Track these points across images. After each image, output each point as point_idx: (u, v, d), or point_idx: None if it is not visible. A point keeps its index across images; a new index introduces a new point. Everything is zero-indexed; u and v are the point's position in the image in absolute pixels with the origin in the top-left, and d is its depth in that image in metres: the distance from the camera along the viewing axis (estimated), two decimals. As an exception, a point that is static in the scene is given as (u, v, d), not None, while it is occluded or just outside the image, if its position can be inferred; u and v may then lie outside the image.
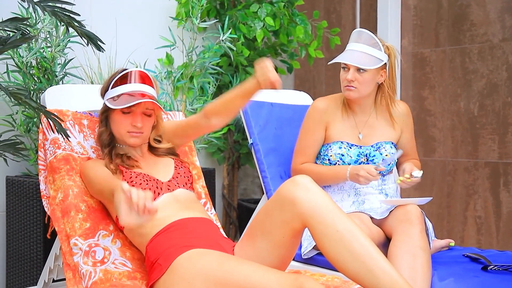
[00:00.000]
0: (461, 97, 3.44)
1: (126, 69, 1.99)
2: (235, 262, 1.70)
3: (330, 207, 1.71)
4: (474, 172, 3.40)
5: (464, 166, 3.44)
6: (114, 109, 1.96)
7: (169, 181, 1.97)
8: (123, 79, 1.96)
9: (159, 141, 2.10)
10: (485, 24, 3.33)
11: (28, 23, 1.75)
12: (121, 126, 1.96)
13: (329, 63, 2.35)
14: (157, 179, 1.95)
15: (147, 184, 1.91)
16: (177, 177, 1.99)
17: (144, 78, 1.98)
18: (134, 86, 1.95)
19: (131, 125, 1.95)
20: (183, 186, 1.99)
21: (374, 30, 2.40)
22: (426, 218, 2.32)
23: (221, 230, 2.13)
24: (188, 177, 2.02)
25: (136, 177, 1.92)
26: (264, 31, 3.12)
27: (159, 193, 1.92)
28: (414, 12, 3.62)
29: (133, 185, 1.89)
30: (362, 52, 2.27)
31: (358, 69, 2.26)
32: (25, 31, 1.71)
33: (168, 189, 1.95)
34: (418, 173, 2.21)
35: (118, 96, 1.94)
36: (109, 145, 1.99)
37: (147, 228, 1.88)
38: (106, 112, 2.00)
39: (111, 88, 1.97)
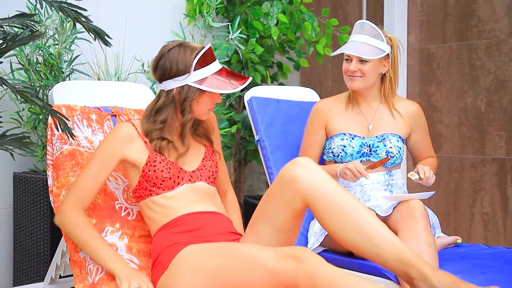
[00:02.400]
0: (468, 93, 3.43)
1: (203, 48, 1.90)
2: (232, 246, 1.74)
3: (330, 183, 1.74)
4: (481, 168, 3.38)
5: (471, 163, 3.42)
6: (202, 93, 1.89)
7: (193, 171, 1.95)
8: (204, 61, 1.88)
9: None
10: (492, 19, 3.32)
11: (35, 19, 1.74)
12: (206, 105, 1.92)
13: (331, 54, 2.38)
14: (181, 168, 1.93)
15: (168, 172, 1.90)
16: (201, 169, 1.97)
17: (213, 55, 1.94)
18: (215, 66, 1.90)
19: (213, 103, 1.94)
20: (206, 179, 1.98)
21: (380, 26, 2.41)
22: (432, 212, 2.33)
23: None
24: (213, 171, 2.00)
25: (160, 162, 1.90)
26: (281, 28, 3.13)
27: (179, 183, 1.92)
28: (421, 8, 3.61)
29: (154, 171, 1.89)
30: (364, 43, 2.29)
31: (361, 60, 2.29)
32: (33, 27, 1.71)
33: (190, 180, 1.94)
34: (412, 176, 2.21)
35: (207, 79, 1.88)
36: (163, 122, 1.92)
37: (157, 214, 1.90)
38: (184, 93, 1.89)
39: (194, 70, 1.87)
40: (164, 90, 1.92)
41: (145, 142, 1.93)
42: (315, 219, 1.88)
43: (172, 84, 1.90)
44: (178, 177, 1.92)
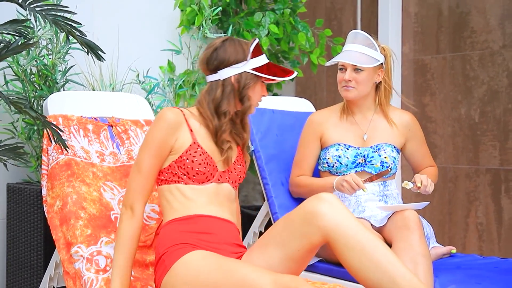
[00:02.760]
0: (462, 103, 3.44)
1: (254, 39, 1.96)
2: (234, 263, 1.73)
3: (352, 220, 1.75)
4: (476, 178, 3.39)
5: (465, 173, 3.43)
6: (257, 81, 1.93)
7: (223, 171, 1.94)
8: (258, 48, 1.94)
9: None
10: (485, 31, 3.34)
11: (27, 25, 1.74)
12: (258, 95, 1.95)
13: (326, 64, 2.39)
14: (216, 166, 1.92)
15: (204, 167, 1.89)
16: (231, 172, 1.96)
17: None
18: (265, 58, 1.95)
19: (262, 94, 1.96)
20: (232, 182, 1.97)
21: (374, 36, 2.43)
22: (426, 222, 2.33)
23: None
24: (240, 176, 2.00)
25: (200, 155, 1.89)
26: (270, 39, 3.13)
27: (209, 179, 1.91)
28: (415, 19, 3.63)
29: (192, 161, 1.87)
30: (358, 52, 2.30)
31: (355, 69, 2.29)
32: (27, 34, 1.71)
33: (218, 180, 1.93)
34: (406, 185, 2.22)
35: (262, 66, 1.92)
36: (226, 114, 1.92)
37: (176, 203, 1.89)
38: (246, 81, 1.91)
39: (252, 58, 1.91)
40: (219, 80, 1.92)
41: (191, 130, 1.91)
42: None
43: (230, 72, 1.91)
44: (211, 174, 1.90)
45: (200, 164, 1.88)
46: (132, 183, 1.88)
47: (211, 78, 1.94)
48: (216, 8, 2.97)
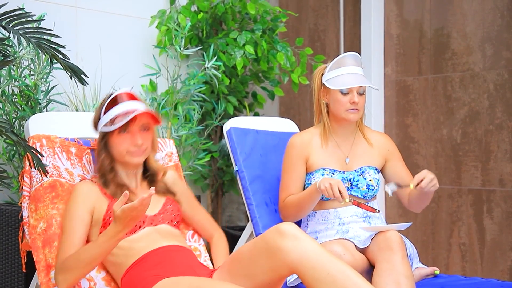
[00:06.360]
0: (444, 124, 3.48)
1: (112, 93, 1.99)
2: (212, 283, 1.70)
3: (319, 251, 1.70)
4: (458, 199, 3.41)
5: (448, 193, 3.45)
6: (112, 133, 1.94)
7: (154, 215, 1.96)
8: (113, 102, 1.95)
9: (155, 174, 2.08)
10: (466, 53, 3.39)
11: (7, 44, 1.73)
12: (121, 147, 1.94)
13: (342, 88, 2.28)
14: None
15: None
16: (163, 213, 1.98)
17: (132, 96, 1.98)
18: (126, 105, 1.94)
19: (132, 145, 1.93)
20: (168, 222, 1.98)
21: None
22: (410, 242, 2.33)
23: (207, 259, 2.12)
24: (175, 215, 2.01)
25: None
26: (244, 60, 3.13)
27: (140, 226, 1.92)
28: (397, 41, 3.67)
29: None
30: (362, 75, 2.31)
31: (359, 92, 2.29)
32: (6, 52, 1.70)
33: (151, 223, 1.94)
34: (388, 188, 2.21)
35: (113, 119, 1.93)
36: (111, 171, 1.97)
37: (122, 257, 1.88)
38: (104, 139, 1.97)
39: (104, 115, 1.95)
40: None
41: (105, 193, 1.95)
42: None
43: (96, 134, 2.06)
44: (140, 220, 1.90)
45: None
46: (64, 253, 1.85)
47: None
48: (187, 26, 2.96)
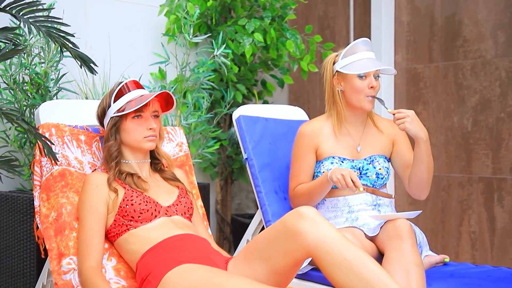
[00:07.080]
0: (454, 112, 3.46)
1: (121, 82, 2.01)
2: (224, 277, 1.70)
3: (336, 236, 1.70)
4: (468, 187, 3.40)
5: (458, 181, 3.44)
6: (125, 119, 1.96)
7: (168, 206, 1.98)
8: (125, 89, 1.99)
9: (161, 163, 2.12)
10: (478, 40, 3.36)
11: (18, 33, 1.74)
12: (136, 132, 1.97)
13: (360, 72, 2.26)
14: (157, 202, 1.96)
15: (146, 205, 1.92)
16: (177, 205, 2.00)
17: (140, 85, 2.03)
18: (136, 92, 1.99)
19: (146, 129, 1.97)
20: (182, 214, 2.00)
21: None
22: (420, 230, 2.32)
23: (215, 246, 2.13)
24: (188, 207, 2.03)
25: (137, 196, 1.93)
26: (253, 47, 3.13)
27: (156, 216, 1.93)
28: (408, 28, 3.64)
29: (132, 204, 1.91)
30: (377, 60, 2.31)
31: (375, 76, 2.29)
32: (16, 41, 1.71)
33: (166, 214, 1.96)
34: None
35: (124, 105, 1.96)
36: (115, 158, 1.99)
37: (137, 245, 1.89)
38: (116, 124, 1.99)
39: (114, 102, 1.98)
40: (105, 129, 2.07)
41: (117, 181, 1.97)
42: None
43: (106, 121, 2.06)
44: (155, 210, 1.94)
45: (140, 204, 1.92)
46: (83, 245, 1.87)
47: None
48: (196, 13, 2.95)
